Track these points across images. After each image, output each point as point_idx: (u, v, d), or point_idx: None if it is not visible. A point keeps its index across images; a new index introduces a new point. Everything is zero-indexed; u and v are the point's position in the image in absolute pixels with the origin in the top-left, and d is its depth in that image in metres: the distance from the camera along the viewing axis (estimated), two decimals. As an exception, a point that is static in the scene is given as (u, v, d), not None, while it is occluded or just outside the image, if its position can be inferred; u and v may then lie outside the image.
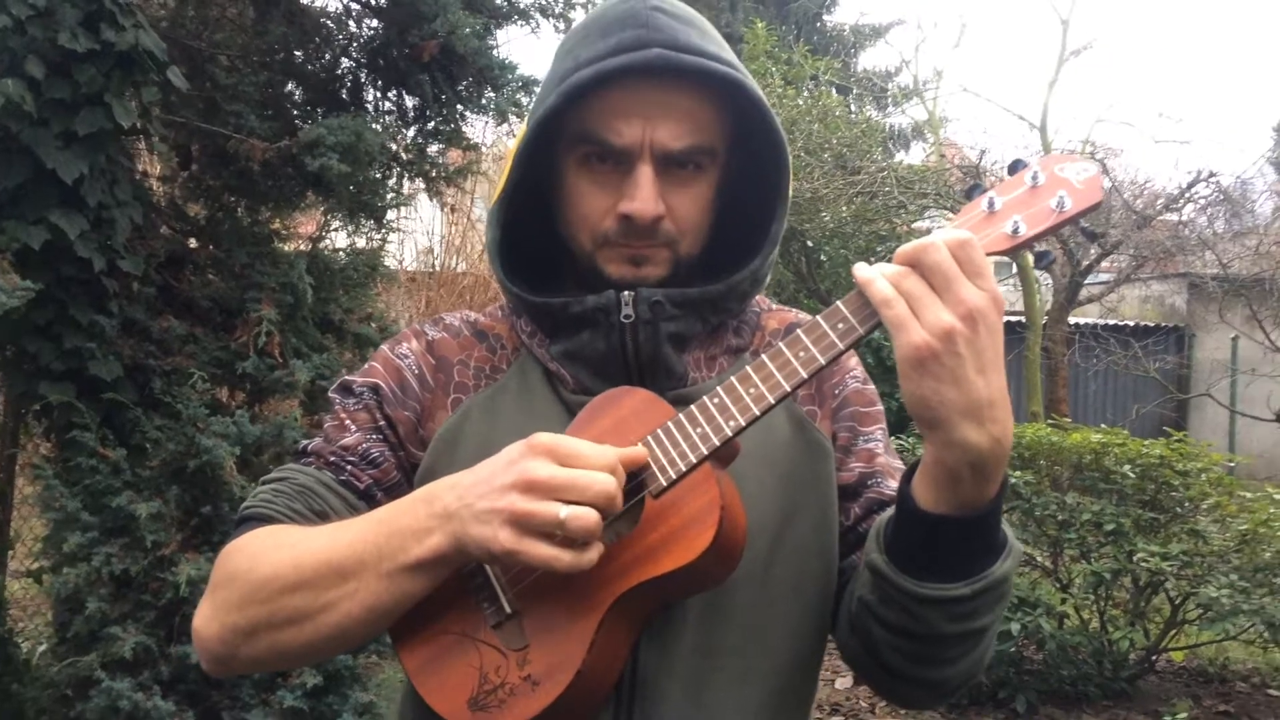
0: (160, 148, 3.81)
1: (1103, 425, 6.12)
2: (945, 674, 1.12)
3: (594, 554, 1.01)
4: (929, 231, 1.02)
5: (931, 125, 14.07)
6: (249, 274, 4.03)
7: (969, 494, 0.99)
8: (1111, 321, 13.75)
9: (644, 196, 1.17)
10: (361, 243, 4.45)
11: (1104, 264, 13.20)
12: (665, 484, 1.06)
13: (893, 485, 1.25)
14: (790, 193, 1.27)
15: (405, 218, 8.92)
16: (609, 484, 0.99)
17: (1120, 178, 12.48)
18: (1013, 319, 13.08)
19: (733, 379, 1.06)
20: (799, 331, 1.04)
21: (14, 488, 4.12)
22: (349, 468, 1.24)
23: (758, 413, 1.05)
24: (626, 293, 1.20)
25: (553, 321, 1.25)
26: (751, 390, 1.05)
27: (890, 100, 17.65)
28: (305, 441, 1.30)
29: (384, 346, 1.34)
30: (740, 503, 1.10)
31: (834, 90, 15.78)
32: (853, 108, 16.02)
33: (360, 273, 4.31)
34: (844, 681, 6.00)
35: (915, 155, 19.36)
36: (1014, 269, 12.59)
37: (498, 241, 1.28)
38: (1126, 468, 5.35)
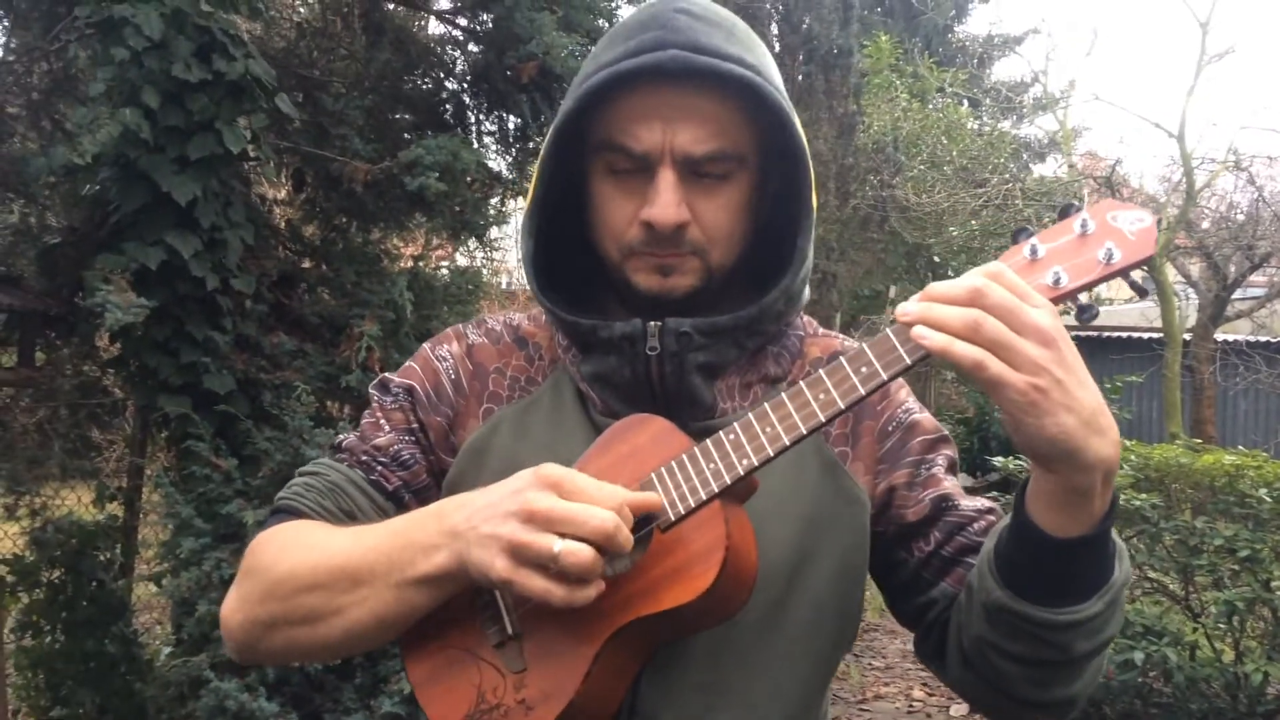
0: (270, 172, 3.99)
1: (1240, 446, 5.79)
2: (1075, 689, 1.10)
3: (591, 591, 1.00)
4: None
5: (1064, 137, 13.61)
6: (357, 292, 4.18)
7: (1100, 506, 0.98)
8: (1262, 338, 13.01)
9: (664, 202, 1.13)
10: (466, 260, 4.55)
11: (1256, 278, 12.55)
12: (673, 519, 1.04)
13: (968, 505, 1.22)
14: (815, 204, 1.22)
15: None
16: (607, 521, 0.97)
17: (1271, 189, 11.84)
18: (1152, 336, 12.53)
19: (750, 416, 1.04)
20: (821, 372, 1.02)
21: (141, 495, 4.35)
22: (379, 468, 1.25)
23: (772, 453, 1.02)
24: (653, 324, 1.17)
25: (584, 341, 1.24)
26: (768, 429, 1.03)
27: (1020, 112, 17.17)
28: (341, 437, 1.33)
29: (425, 346, 1.34)
30: (753, 542, 1.07)
31: (964, 103, 15.46)
32: (984, 119, 15.66)
33: (464, 290, 4.41)
34: (959, 709, 5.82)
35: (1050, 167, 18.78)
36: (1151, 284, 12.05)
37: (531, 254, 1.26)
38: (1263, 491, 5.04)
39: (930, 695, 6.12)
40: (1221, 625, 5.10)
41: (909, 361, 0.98)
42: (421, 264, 4.41)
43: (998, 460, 5.77)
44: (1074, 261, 0.98)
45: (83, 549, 3.85)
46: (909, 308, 0.95)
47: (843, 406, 1.00)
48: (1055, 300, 0.97)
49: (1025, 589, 1.02)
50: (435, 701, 1.13)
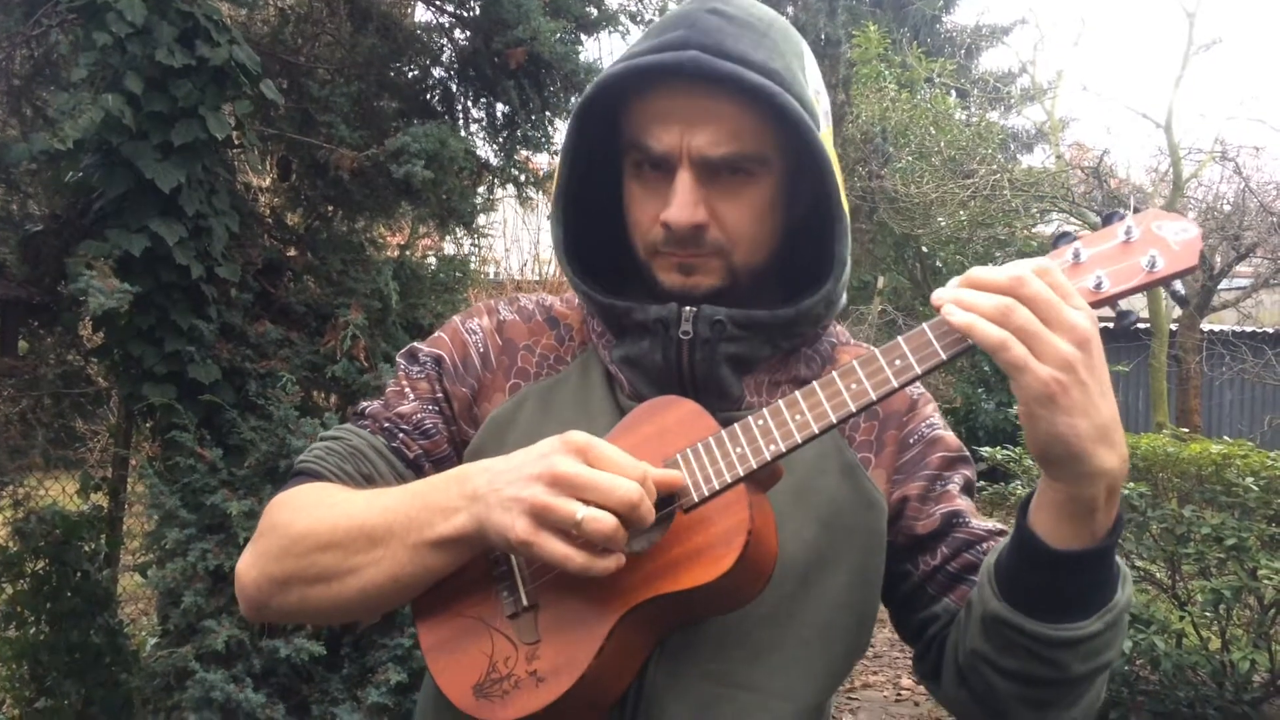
0: (253, 160, 3.96)
1: (1225, 437, 5.81)
2: (1072, 715, 1.09)
3: (610, 562, 1.00)
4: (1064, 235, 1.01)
5: (1051, 127, 13.64)
6: (343, 281, 4.15)
7: (1103, 522, 0.97)
8: (1248, 329, 13.07)
9: (679, 203, 1.14)
10: (454, 248, 4.53)
11: (1242, 268, 12.59)
12: (697, 500, 1.04)
13: (979, 525, 1.22)
14: (847, 210, 1.21)
15: (525, 225, 9.10)
16: (632, 492, 0.97)
17: (1257, 179, 11.87)
18: (1138, 326, 12.58)
19: (780, 403, 1.04)
20: (854, 363, 1.02)
21: (126, 486, 4.32)
22: (401, 435, 1.26)
23: (800, 440, 1.02)
24: (689, 308, 1.18)
25: (618, 324, 1.25)
26: (797, 417, 1.03)
27: (1008, 103, 17.20)
28: (365, 403, 1.33)
29: (456, 318, 1.35)
30: (775, 530, 1.07)
31: (952, 93, 15.47)
32: (972, 110, 15.68)
33: (451, 278, 4.38)
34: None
35: (1038, 158, 18.83)
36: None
37: (562, 240, 1.27)
38: (1249, 480, 5.06)
39: (918, 684, 6.13)
40: (1208, 613, 5.12)
41: (944, 356, 0.98)
42: (408, 253, 4.39)
43: (985, 450, 5.78)
44: (1116, 267, 0.98)
45: (67, 540, 3.82)
46: (945, 291, 0.95)
47: (875, 398, 1.00)
48: (1096, 304, 0.98)
49: (1023, 602, 1.01)
50: (446, 669, 1.13)
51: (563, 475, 0.98)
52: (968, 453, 1.29)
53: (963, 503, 1.23)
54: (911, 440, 1.25)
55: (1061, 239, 1.01)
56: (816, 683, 1.19)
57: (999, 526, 1.23)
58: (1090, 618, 1.00)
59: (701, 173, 1.14)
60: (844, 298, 1.27)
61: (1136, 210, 1.02)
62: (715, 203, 1.16)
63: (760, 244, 1.20)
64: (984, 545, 1.20)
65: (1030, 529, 1.00)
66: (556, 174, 1.27)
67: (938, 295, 0.95)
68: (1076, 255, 0.99)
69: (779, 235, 1.22)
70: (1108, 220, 1.01)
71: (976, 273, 0.95)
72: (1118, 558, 1.02)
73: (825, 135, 1.18)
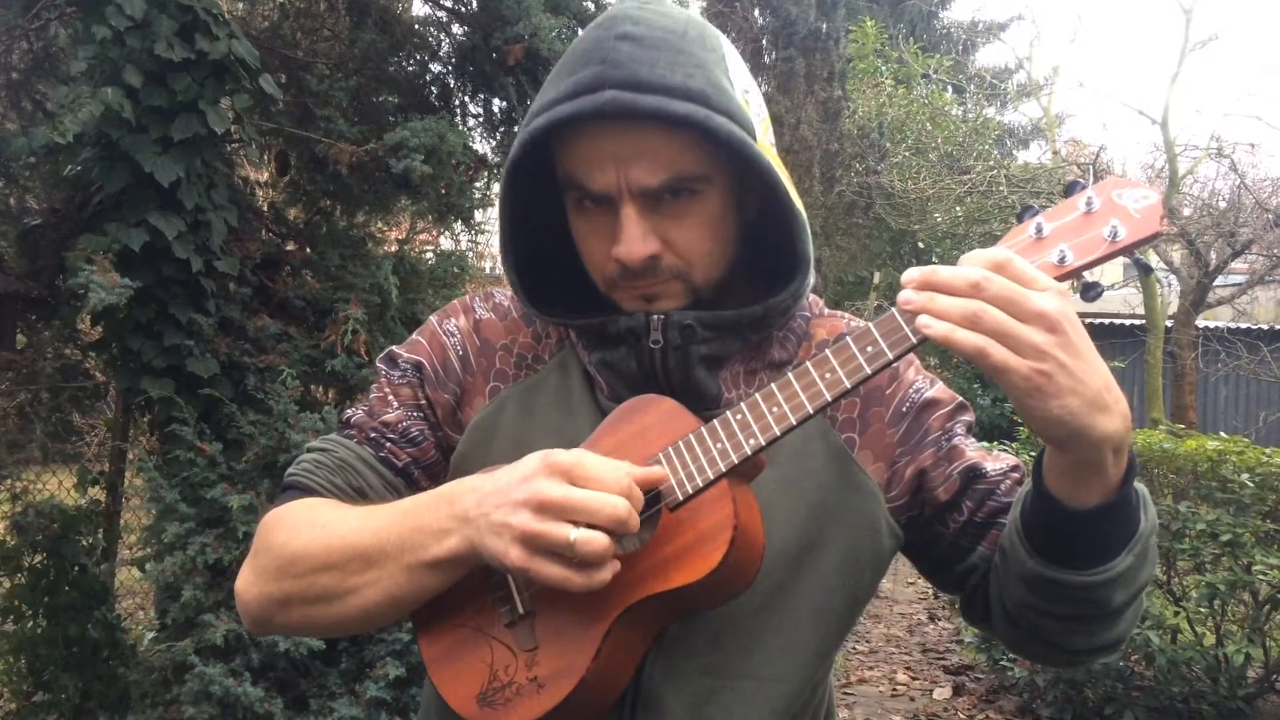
0: (252, 154, 3.95)
1: (1221, 433, 5.83)
2: (1119, 632, 1.14)
3: (606, 574, 1.01)
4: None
5: (1048, 123, 13.65)
6: (342, 275, 4.15)
7: (1115, 475, 1.00)
8: (1243, 325, 13.10)
9: (628, 238, 1.13)
10: (451, 244, 4.53)
11: (1237, 265, 12.63)
12: (681, 498, 1.05)
13: (993, 468, 1.23)
14: (800, 207, 1.19)
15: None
16: (620, 508, 0.98)
17: (1253, 175, 11.91)
18: (1134, 322, 12.60)
19: (757, 396, 1.05)
20: (827, 352, 1.02)
21: (124, 480, 4.31)
22: (388, 445, 1.26)
23: (778, 432, 1.03)
24: (656, 317, 1.17)
25: (596, 336, 1.24)
26: (775, 409, 1.03)
27: (1003, 99, 17.22)
28: (350, 411, 1.32)
29: (433, 319, 1.34)
30: (760, 520, 1.08)
31: (949, 89, 15.49)
32: (968, 106, 15.70)
33: (449, 273, 4.39)
34: (942, 692, 5.86)
35: (1034, 154, 18.85)
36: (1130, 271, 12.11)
37: (519, 282, 1.25)
38: (1244, 477, 5.08)
39: (914, 679, 6.15)
40: (1203, 609, 5.14)
41: (914, 341, 0.98)
42: (406, 248, 4.39)
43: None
44: (1079, 239, 0.98)
45: (65, 533, 3.81)
46: (912, 297, 0.95)
47: (849, 386, 1.01)
48: (1061, 278, 0.98)
49: (1056, 556, 1.05)
50: (449, 680, 1.15)
51: (548, 501, 0.98)
52: (960, 398, 1.30)
53: (972, 452, 1.25)
54: (904, 410, 1.25)
55: (1025, 212, 1.01)
56: (810, 662, 1.21)
57: (1011, 461, 1.25)
58: (1120, 554, 1.04)
59: (644, 203, 1.13)
60: (811, 279, 1.25)
61: (1096, 180, 1.01)
62: (665, 229, 1.14)
63: (716, 258, 1.19)
64: (1003, 487, 1.23)
65: (1048, 491, 1.03)
66: (499, 229, 1.25)
67: (905, 299, 0.96)
68: (1039, 230, 0.99)
69: (734, 241, 1.21)
70: (1069, 191, 1.01)
71: (938, 277, 0.94)
72: (1136, 486, 1.04)
73: (764, 142, 1.16)
